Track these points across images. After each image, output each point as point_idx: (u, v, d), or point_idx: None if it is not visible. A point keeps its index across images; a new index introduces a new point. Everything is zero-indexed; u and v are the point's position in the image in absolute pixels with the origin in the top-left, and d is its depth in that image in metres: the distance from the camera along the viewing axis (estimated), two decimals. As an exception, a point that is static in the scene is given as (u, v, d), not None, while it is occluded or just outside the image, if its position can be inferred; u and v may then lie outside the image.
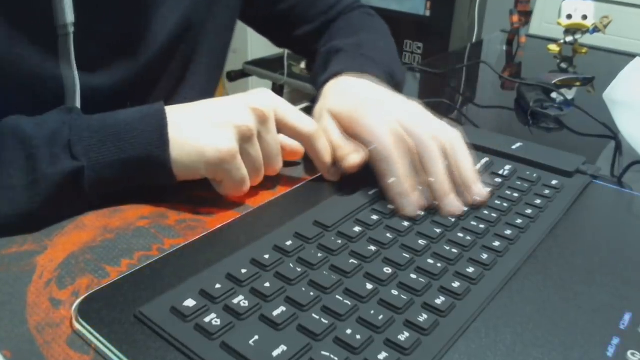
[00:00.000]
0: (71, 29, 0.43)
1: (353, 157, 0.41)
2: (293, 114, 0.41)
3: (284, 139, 0.43)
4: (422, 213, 0.38)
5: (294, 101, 0.48)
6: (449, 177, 0.39)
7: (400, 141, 0.39)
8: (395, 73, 0.55)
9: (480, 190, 0.40)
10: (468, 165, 0.40)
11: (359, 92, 0.46)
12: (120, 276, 0.32)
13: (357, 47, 0.56)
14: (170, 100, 0.57)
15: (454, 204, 0.38)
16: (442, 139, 0.40)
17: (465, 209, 0.39)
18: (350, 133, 0.43)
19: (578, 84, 0.74)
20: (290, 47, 0.73)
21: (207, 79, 0.61)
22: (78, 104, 0.46)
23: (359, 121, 0.42)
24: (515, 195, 0.41)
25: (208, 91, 0.63)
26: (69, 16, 0.43)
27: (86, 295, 0.30)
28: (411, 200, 0.38)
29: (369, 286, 0.30)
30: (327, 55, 0.56)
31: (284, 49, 1.95)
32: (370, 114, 0.42)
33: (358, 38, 0.59)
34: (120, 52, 0.50)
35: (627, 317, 0.30)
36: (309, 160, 0.43)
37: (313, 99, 0.51)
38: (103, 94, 0.51)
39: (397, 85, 0.54)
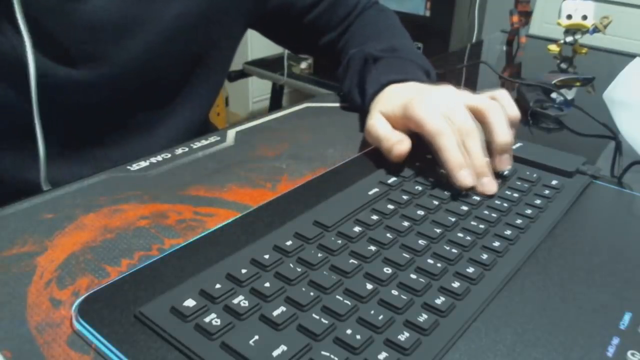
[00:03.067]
0: None
1: (397, 147, 0.44)
2: None
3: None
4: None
5: (293, 101, 0.48)
6: (485, 156, 0.42)
7: (449, 122, 0.42)
8: (429, 70, 0.56)
9: (502, 163, 0.43)
10: (497, 139, 0.42)
11: (407, 93, 0.48)
12: (121, 276, 0.32)
13: (392, 52, 0.57)
14: (166, 107, 0.57)
15: (486, 185, 0.41)
16: (482, 117, 0.43)
17: (495, 189, 0.41)
18: (405, 129, 0.46)
19: (578, 84, 0.74)
20: (312, 53, 0.74)
21: (209, 91, 0.61)
22: (32, 78, 0.46)
23: (411, 115, 0.44)
24: (516, 195, 0.41)
25: (207, 103, 0.62)
26: None
27: (86, 295, 0.30)
28: (466, 172, 0.40)
29: (369, 286, 0.30)
30: (364, 62, 0.57)
31: (284, 49, 1.95)
32: (418, 106, 0.44)
33: (388, 41, 0.60)
34: (108, 41, 0.50)
35: (627, 317, 0.30)
36: (309, 160, 0.43)
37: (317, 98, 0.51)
38: (92, 89, 0.50)
39: (432, 79, 0.56)
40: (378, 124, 0.47)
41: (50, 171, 0.51)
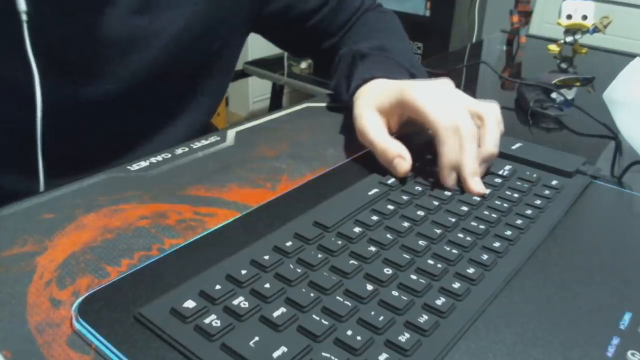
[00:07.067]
0: (24, 17, 0.44)
1: (401, 165, 0.42)
2: None
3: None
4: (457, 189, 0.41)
5: (293, 101, 0.48)
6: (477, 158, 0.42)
7: (452, 119, 0.41)
8: (416, 74, 0.56)
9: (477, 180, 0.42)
10: (484, 147, 0.42)
11: (395, 84, 0.47)
12: (120, 276, 0.32)
13: (380, 50, 0.56)
14: (169, 115, 0.58)
15: (477, 184, 0.41)
16: (480, 116, 0.43)
17: (488, 191, 0.41)
18: (398, 119, 0.45)
19: (578, 84, 0.75)
20: (314, 57, 0.74)
21: (212, 99, 0.62)
22: (39, 101, 0.46)
23: (410, 101, 0.43)
24: (515, 195, 0.41)
25: (210, 109, 0.63)
26: (21, 4, 0.43)
27: (86, 295, 0.30)
28: (455, 175, 0.41)
29: (369, 287, 0.30)
30: (352, 59, 0.56)
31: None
32: (418, 93, 0.43)
33: (380, 41, 0.59)
34: (114, 58, 0.50)
35: (627, 317, 0.30)
36: (309, 160, 0.43)
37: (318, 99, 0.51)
38: (97, 105, 0.50)
39: None
40: (371, 129, 0.45)
41: (52, 187, 0.51)
